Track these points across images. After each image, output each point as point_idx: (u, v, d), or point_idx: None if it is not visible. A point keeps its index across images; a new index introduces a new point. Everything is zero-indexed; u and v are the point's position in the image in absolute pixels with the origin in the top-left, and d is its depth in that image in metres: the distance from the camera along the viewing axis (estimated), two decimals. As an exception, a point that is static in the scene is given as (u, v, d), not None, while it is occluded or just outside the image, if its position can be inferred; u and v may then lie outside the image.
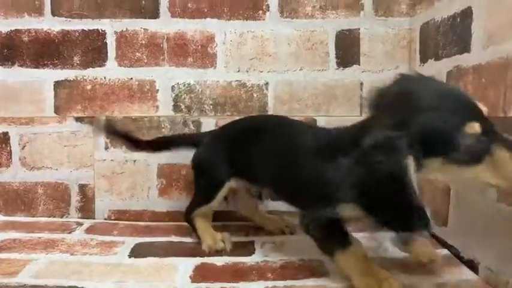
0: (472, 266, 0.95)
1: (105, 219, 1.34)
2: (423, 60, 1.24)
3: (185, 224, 1.21)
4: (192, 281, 0.91)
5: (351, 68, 1.34)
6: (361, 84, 1.34)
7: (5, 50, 1.32)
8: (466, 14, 1.00)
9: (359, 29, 1.33)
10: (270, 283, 0.90)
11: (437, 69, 1.14)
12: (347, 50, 1.33)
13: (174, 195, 1.34)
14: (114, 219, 1.34)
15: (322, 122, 1.34)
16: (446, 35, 1.10)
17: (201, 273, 0.95)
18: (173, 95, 1.34)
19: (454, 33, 1.05)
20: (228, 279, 0.92)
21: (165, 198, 1.34)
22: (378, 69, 1.34)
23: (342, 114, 1.34)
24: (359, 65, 1.34)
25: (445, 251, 1.05)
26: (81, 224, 1.29)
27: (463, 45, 1.01)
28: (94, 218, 1.34)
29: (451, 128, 0.70)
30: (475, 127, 0.70)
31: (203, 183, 1.17)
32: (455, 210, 1.05)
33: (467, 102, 0.74)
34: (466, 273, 0.93)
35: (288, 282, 0.90)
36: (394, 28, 1.33)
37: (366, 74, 1.34)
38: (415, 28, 1.30)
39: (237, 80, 1.34)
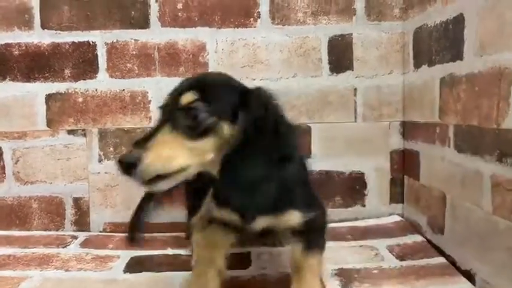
0: (469, 276, 0.94)
1: (101, 231, 1.33)
2: (417, 65, 1.23)
3: (181, 234, 1.20)
4: (188, 298, 0.90)
5: (344, 74, 1.33)
6: (355, 89, 1.33)
7: (-5, 65, 1.31)
8: (459, 21, 0.98)
9: (352, 34, 1.32)
10: (266, 299, 0.89)
11: (431, 76, 1.13)
12: (340, 55, 1.32)
13: (169, 206, 1.33)
14: (110, 232, 1.33)
15: (316, 128, 1.33)
16: (439, 41, 1.08)
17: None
18: (166, 105, 1.33)
19: (447, 40, 1.04)
20: (223, 295, 0.91)
21: (159, 208, 1.33)
22: (371, 74, 1.32)
23: (336, 121, 1.33)
24: (352, 70, 1.32)
25: (442, 259, 1.04)
26: (76, 237, 1.28)
27: (456, 52, 0.99)
28: (89, 231, 1.33)
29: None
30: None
31: None
32: (451, 218, 1.04)
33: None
34: (463, 284, 0.93)
35: (286, 297, 0.89)
36: (387, 32, 1.32)
37: (360, 80, 1.33)
38: (408, 32, 1.29)
39: (230, 89, 1.33)
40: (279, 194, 0.80)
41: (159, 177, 0.69)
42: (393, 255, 1.09)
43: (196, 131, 0.71)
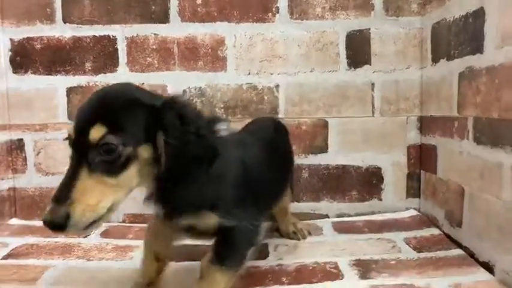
0: (488, 267, 0.94)
1: (120, 222, 1.35)
2: (435, 60, 1.24)
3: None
4: (208, 287, 0.92)
5: (362, 69, 1.33)
6: (373, 84, 1.34)
7: (18, 58, 1.34)
8: (479, 14, 0.99)
9: (369, 29, 1.32)
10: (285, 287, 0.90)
11: (449, 70, 1.14)
12: (358, 50, 1.33)
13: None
14: (129, 222, 1.35)
15: (333, 123, 1.34)
16: (458, 35, 1.09)
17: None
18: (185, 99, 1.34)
19: (466, 34, 1.05)
20: (243, 284, 0.92)
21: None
22: (389, 69, 1.33)
23: (353, 115, 1.34)
24: (370, 65, 1.33)
25: (460, 251, 1.05)
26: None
27: (476, 45, 1.00)
28: (109, 222, 1.35)
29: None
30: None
31: None
32: (469, 211, 1.05)
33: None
34: (482, 274, 0.93)
35: (304, 286, 0.90)
36: (405, 27, 1.32)
37: (377, 74, 1.33)
38: (426, 27, 1.29)
39: (247, 83, 1.34)
40: (201, 194, 0.77)
41: (91, 223, 0.67)
42: (410, 247, 1.10)
43: (115, 166, 0.68)
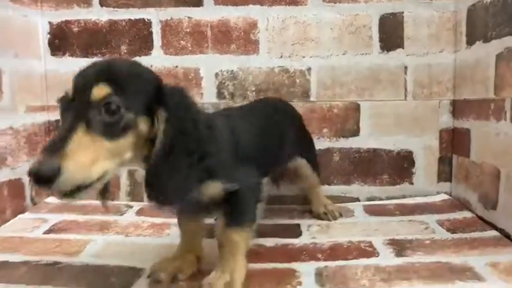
0: (525, 247, 0.94)
1: (153, 202, 1.38)
2: (470, 42, 1.23)
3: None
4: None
5: (395, 52, 1.33)
6: (406, 67, 1.33)
7: (56, 41, 1.37)
8: (518, -6, 0.98)
9: (403, 12, 1.32)
10: (322, 263, 0.91)
11: (486, 52, 1.13)
12: (391, 33, 1.33)
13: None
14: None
15: (366, 106, 1.34)
16: (496, 15, 1.08)
17: (252, 254, 0.97)
18: (217, 82, 1.36)
19: (505, 14, 1.04)
20: (279, 259, 0.94)
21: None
22: (422, 53, 1.33)
23: (386, 99, 1.34)
24: (403, 48, 1.33)
25: (495, 232, 1.05)
26: (131, 207, 1.33)
27: (516, 25, 0.99)
28: (142, 201, 1.38)
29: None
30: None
31: None
32: (505, 192, 1.04)
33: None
34: (519, 254, 0.93)
35: (340, 263, 0.91)
36: (439, 11, 1.31)
37: (411, 58, 1.33)
38: (460, 10, 1.28)
39: (279, 66, 1.35)
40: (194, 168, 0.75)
41: (79, 188, 0.61)
42: (444, 228, 1.10)
43: (114, 129, 0.65)
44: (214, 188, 0.80)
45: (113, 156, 0.66)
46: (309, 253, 0.98)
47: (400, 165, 1.36)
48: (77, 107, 0.65)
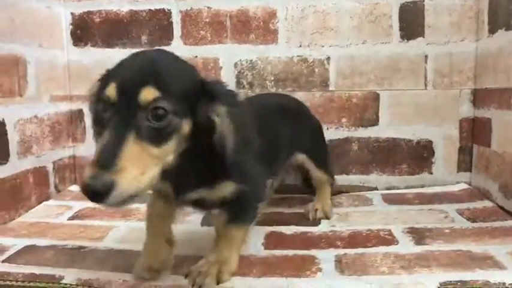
0: (546, 237, 0.94)
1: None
2: (492, 31, 1.21)
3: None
4: (265, 248, 0.95)
5: (415, 41, 1.32)
6: (426, 56, 1.33)
7: (78, 31, 1.39)
8: (543, -20, 0.97)
9: (423, 0, 1.31)
10: (341, 251, 0.92)
11: (509, 40, 1.11)
12: (411, 22, 1.32)
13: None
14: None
15: (385, 95, 1.34)
16: (519, 3, 1.07)
17: (272, 241, 0.99)
18: (236, 72, 1.37)
19: (529, 1, 1.02)
20: (299, 246, 0.95)
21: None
22: (443, 41, 1.32)
23: (405, 88, 1.34)
24: (423, 37, 1.32)
25: (516, 222, 1.04)
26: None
27: (539, 12, 0.98)
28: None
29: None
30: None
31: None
32: (527, 182, 1.04)
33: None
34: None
35: (359, 250, 0.92)
36: (461, -1, 1.30)
37: (431, 47, 1.32)
38: (483, -2, 1.27)
39: (298, 56, 1.35)
40: (213, 168, 0.75)
41: (131, 196, 0.60)
42: (464, 217, 1.10)
43: (161, 135, 0.64)
44: (226, 188, 0.80)
45: (158, 162, 0.64)
46: (328, 241, 0.98)
47: (419, 155, 1.36)
48: (123, 112, 0.63)
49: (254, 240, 1.00)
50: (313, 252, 0.92)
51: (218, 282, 0.78)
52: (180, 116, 0.65)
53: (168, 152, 0.65)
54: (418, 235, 0.99)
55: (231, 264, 0.82)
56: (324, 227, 1.07)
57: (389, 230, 1.02)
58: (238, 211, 0.84)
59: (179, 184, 0.79)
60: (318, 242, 0.98)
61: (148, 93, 0.62)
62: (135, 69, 0.66)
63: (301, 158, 1.17)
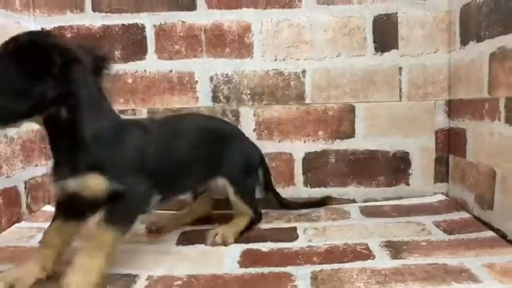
0: (521, 248, 0.94)
1: (150, 208, 1.38)
2: (464, 42, 1.23)
3: (227, 212, 1.24)
4: (241, 266, 0.93)
5: (389, 53, 1.33)
6: (400, 68, 1.33)
7: (50, 47, 1.37)
8: (511, -7, 0.98)
9: (397, 13, 1.32)
10: (317, 267, 0.91)
11: (479, 51, 1.13)
12: (385, 34, 1.33)
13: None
14: (156, 209, 1.37)
15: (361, 108, 1.34)
16: (489, 15, 1.08)
17: (248, 259, 0.97)
18: (212, 86, 1.36)
19: (498, 14, 1.04)
20: (276, 263, 0.93)
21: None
22: (417, 53, 1.33)
23: (380, 100, 1.34)
24: (397, 49, 1.33)
25: (492, 233, 1.04)
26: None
27: (509, 24, 0.99)
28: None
29: None
30: None
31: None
32: (501, 193, 1.04)
33: None
34: (515, 255, 0.93)
35: (335, 266, 0.91)
36: (433, 11, 1.31)
37: (405, 59, 1.33)
38: (454, 10, 1.28)
39: (274, 69, 1.35)
40: (91, 154, 0.80)
41: None
42: (440, 229, 1.09)
43: None
44: (96, 182, 0.81)
45: None
46: (304, 256, 0.97)
47: (396, 167, 1.36)
48: None
49: (230, 258, 0.98)
50: (289, 269, 0.91)
51: None
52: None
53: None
54: (395, 249, 0.98)
55: (92, 274, 0.78)
56: (301, 243, 1.06)
57: (366, 244, 1.02)
58: (114, 214, 0.83)
59: (56, 166, 0.84)
60: (295, 258, 0.96)
61: None
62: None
63: (222, 182, 1.14)
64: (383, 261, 0.92)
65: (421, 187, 1.36)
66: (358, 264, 0.91)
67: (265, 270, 0.90)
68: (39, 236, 1.13)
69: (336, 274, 0.87)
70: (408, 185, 1.36)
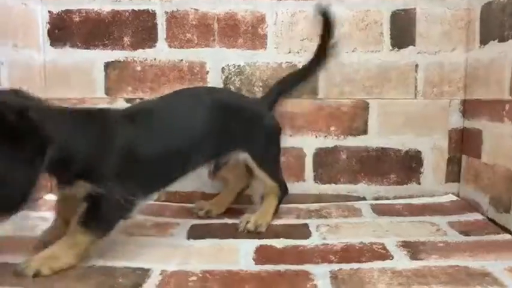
0: (541, 252, 0.93)
1: (155, 200, 1.35)
2: (483, 41, 1.21)
3: (238, 206, 1.22)
4: (256, 263, 0.90)
5: (406, 49, 1.31)
6: (416, 66, 1.31)
7: (56, 31, 1.32)
8: (540, -8, 0.96)
9: (415, 8, 1.29)
10: (336, 266, 0.89)
11: (501, 51, 1.11)
12: (402, 30, 1.30)
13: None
14: (164, 201, 1.34)
15: (374, 104, 1.32)
16: (514, 14, 1.06)
17: (263, 255, 0.95)
18: (223, 77, 1.33)
19: (524, 13, 1.02)
20: (292, 261, 0.91)
21: (215, 179, 1.34)
22: (434, 51, 1.30)
23: (395, 97, 1.32)
24: (414, 46, 1.30)
25: (509, 236, 1.03)
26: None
27: (536, 25, 0.97)
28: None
29: None
30: None
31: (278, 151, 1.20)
32: (520, 196, 1.03)
33: None
34: (536, 259, 0.91)
35: (354, 265, 0.89)
36: (452, 8, 1.29)
37: (422, 56, 1.31)
38: (474, 8, 1.26)
39: (287, 62, 1.32)
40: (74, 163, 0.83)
41: None
42: (455, 231, 1.08)
43: None
44: (82, 189, 0.85)
45: None
46: (321, 254, 0.95)
47: (408, 165, 1.34)
48: None
49: (244, 253, 0.96)
50: (306, 267, 0.88)
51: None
52: None
53: None
54: (413, 249, 0.96)
55: (59, 260, 0.83)
56: (315, 240, 1.04)
57: (383, 244, 0.99)
58: (92, 217, 0.86)
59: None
60: (311, 256, 0.94)
61: None
62: None
63: (243, 156, 1.12)
64: (402, 261, 0.90)
65: (432, 186, 1.35)
66: (377, 264, 0.89)
67: (282, 267, 0.88)
68: (43, 226, 1.10)
69: (356, 274, 0.85)
70: (419, 183, 1.35)
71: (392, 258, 0.92)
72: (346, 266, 0.88)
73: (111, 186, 0.85)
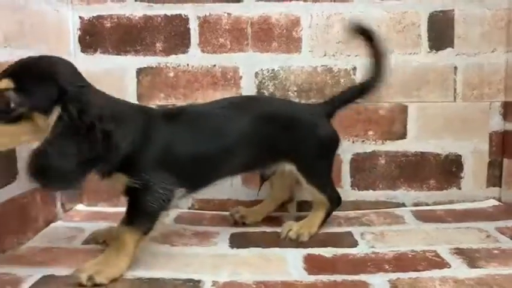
0: None
1: (189, 208, 1.32)
2: (526, 42, 1.18)
3: (274, 214, 1.19)
4: (309, 273, 0.87)
5: (444, 51, 1.28)
6: (455, 68, 1.28)
7: (88, 37, 1.29)
8: None
9: (453, 10, 1.27)
10: (392, 275, 0.85)
11: (548, 51, 1.08)
12: (440, 32, 1.27)
13: (257, 183, 1.29)
14: (198, 209, 1.31)
15: (413, 107, 1.29)
16: None
17: (313, 265, 0.91)
18: (257, 82, 1.30)
19: None
20: (345, 271, 0.88)
21: (248, 187, 1.31)
22: (473, 53, 1.28)
23: (434, 100, 1.29)
24: (453, 47, 1.28)
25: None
26: (167, 214, 1.26)
27: None
28: (178, 208, 1.31)
29: None
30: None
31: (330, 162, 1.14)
32: None
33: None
34: None
35: (412, 274, 0.86)
36: (492, 9, 1.26)
37: (461, 58, 1.28)
38: (515, 8, 1.24)
39: (322, 65, 1.29)
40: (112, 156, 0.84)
41: None
42: (507, 237, 1.04)
43: (8, 116, 0.78)
44: (121, 180, 0.88)
45: (8, 137, 0.79)
46: (374, 264, 0.92)
47: (448, 170, 1.31)
48: None
49: (292, 263, 0.93)
50: (362, 277, 0.85)
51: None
52: (30, 108, 0.78)
53: (19, 132, 0.79)
54: (468, 257, 0.93)
55: (113, 270, 0.84)
56: (363, 248, 1.00)
57: (435, 251, 0.96)
58: (133, 213, 0.89)
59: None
60: (363, 265, 0.91)
61: (2, 83, 0.77)
62: (10, 67, 0.81)
63: (289, 168, 1.09)
64: (461, 270, 0.87)
65: (473, 191, 1.31)
66: (436, 273, 0.86)
67: (337, 278, 0.85)
68: (80, 237, 1.08)
69: (416, 284, 0.82)
70: (460, 188, 1.31)
71: (450, 266, 0.89)
72: (403, 275, 0.85)
73: (149, 177, 0.87)
